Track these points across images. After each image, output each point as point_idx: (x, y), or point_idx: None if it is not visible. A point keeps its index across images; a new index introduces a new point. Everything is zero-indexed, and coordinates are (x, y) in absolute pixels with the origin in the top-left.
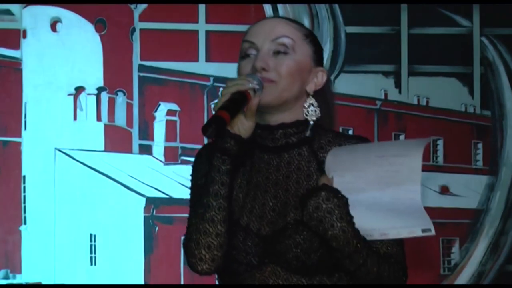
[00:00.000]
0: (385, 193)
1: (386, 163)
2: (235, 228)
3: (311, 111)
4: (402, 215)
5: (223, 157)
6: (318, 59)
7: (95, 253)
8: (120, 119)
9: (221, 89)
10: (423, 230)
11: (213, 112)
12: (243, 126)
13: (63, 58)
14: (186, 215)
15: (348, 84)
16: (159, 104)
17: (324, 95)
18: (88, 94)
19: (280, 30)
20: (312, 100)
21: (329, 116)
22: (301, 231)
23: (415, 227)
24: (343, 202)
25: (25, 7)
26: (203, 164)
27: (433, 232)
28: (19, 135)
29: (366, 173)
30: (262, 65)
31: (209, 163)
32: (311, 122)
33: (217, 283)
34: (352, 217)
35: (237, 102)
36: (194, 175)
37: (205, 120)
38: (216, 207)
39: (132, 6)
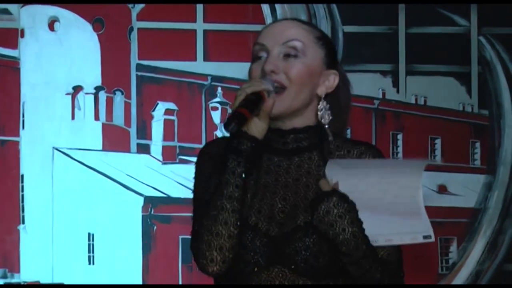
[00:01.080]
0: (387, 193)
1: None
2: (243, 227)
3: (324, 114)
4: (404, 219)
5: (239, 159)
6: (330, 62)
7: (93, 252)
8: (118, 118)
9: (218, 88)
10: (424, 237)
11: (230, 112)
12: (257, 127)
13: (61, 57)
14: (185, 214)
15: None
16: (157, 103)
17: (337, 99)
18: (86, 93)
19: (291, 33)
20: (324, 103)
21: (341, 120)
22: (311, 234)
23: (417, 233)
24: (353, 207)
25: (22, 6)
26: (207, 163)
27: (433, 239)
28: (17, 134)
29: (367, 176)
30: (271, 68)
31: (215, 163)
32: (327, 126)
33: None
34: (362, 223)
35: (253, 102)
36: (198, 175)
37: (204, 120)
38: (230, 209)
39: (130, 5)
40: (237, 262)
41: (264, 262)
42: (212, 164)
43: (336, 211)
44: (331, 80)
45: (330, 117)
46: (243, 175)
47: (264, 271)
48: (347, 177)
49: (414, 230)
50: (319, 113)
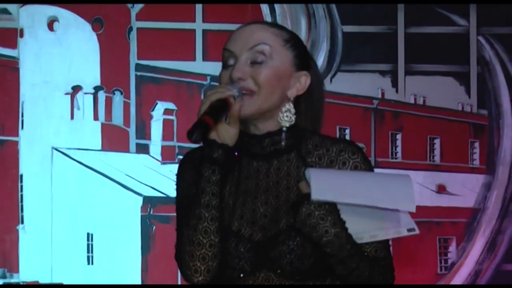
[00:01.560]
0: (368, 191)
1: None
2: (226, 233)
3: (285, 117)
4: (386, 215)
5: (213, 167)
6: (300, 63)
7: (92, 252)
8: (117, 118)
9: None
10: (408, 230)
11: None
12: (228, 133)
13: (60, 57)
14: None
15: (345, 83)
16: (156, 103)
17: (310, 99)
18: (85, 93)
19: (258, 37)
20: (290, 106)
21: (315, 119)
22: (293, 237)
23: (401, 227)
24: (334, 207)
25: (22, 6)
26: (188, 171)
27: (417, 231)
28: (16, 134)
29: (348, 176)
30: (239, 75)
31: (196, 172)
32: (284, 129)
33: None
34: (344, 222)
35: (218, 109)
36: (180, 184)
37: None
38: (208, 218)
39: (129, 5)
40: (223, 269)
41: (249, 267)
42: (192, 173)
43: (317, 213)
44: (302, 81)
45: (293, 121)
46: (219, 183)
47: (250, 277)
48: (326, 178)
49: (398, 224)
50: (280, 114)
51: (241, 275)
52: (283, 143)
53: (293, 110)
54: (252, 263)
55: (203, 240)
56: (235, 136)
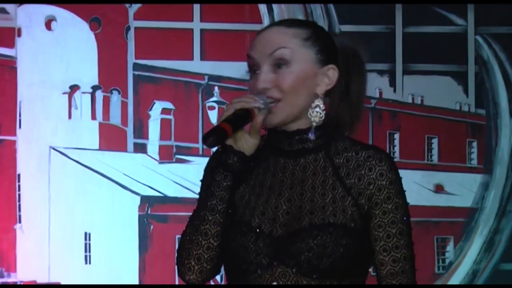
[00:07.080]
0: None
1: None
2: (246, 229)
3: (314, 113)
4: None
5: (225, 173)
6: (324, 58)
7: (89, 252)
8: (115, 118)
9: (215, 87)
10: None
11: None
12: (247, 143)
13: (57, 56)
14: (181, 213)
15: None
16: (154, 103)
17: (342, 94)
18: (83, 92)
19: (276, 41)
20: (319, 102)
21: (352, 114)
22: (315, 235)
23: None
24: None
25: (19, 5)
26: (207, 177)
27: None
28: (14, 134)
29: None
30: (262, 86)
31: (211, 177)
32: (314, 124)
33: (220, 281)
34: None
35: (240, 117)
36: (200, 187)
37: (200, 119)
38: (211, 221)
39: (127, 4)
40: (239, 263)
41: (267, 262)
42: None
43: None
44: (330, 75)
45: (322, 117)
46: (230, 189)
47: (267, 272)
48: None
49: None
50: (310, 110)
51: (258, 270)
52: (311, 138)
53: (322, 107)
54: (269, 258)
55: (202, 241)
56: (254, 147)
